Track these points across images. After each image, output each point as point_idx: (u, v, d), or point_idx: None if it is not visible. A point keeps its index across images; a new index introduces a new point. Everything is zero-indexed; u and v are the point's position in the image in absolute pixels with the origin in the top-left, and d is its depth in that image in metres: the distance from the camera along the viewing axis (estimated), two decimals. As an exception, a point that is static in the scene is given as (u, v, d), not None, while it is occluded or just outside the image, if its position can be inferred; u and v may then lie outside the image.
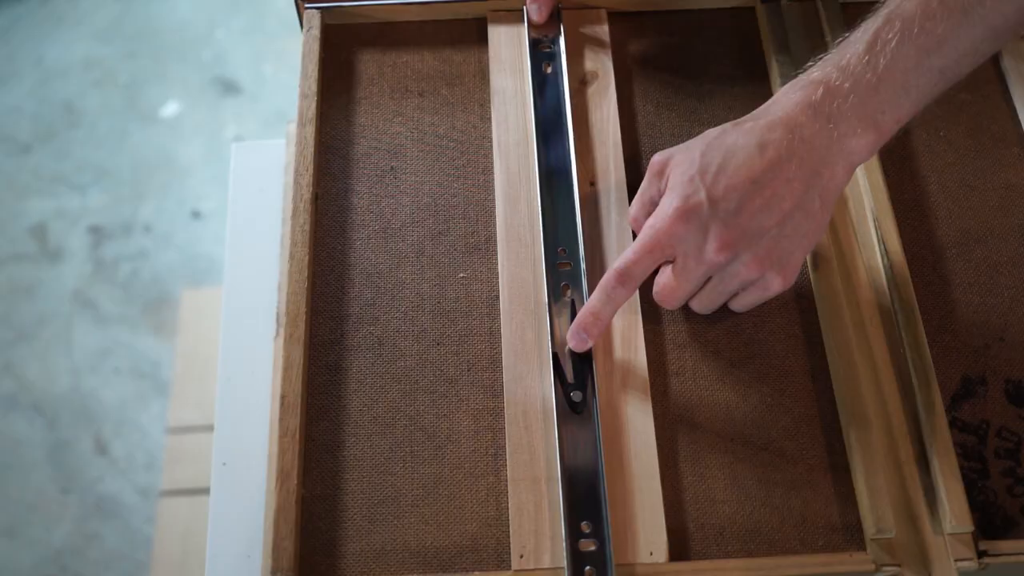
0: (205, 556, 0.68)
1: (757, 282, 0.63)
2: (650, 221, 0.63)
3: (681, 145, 0.65)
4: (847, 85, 0.61)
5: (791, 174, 0.61)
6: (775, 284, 0.63)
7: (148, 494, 1.59)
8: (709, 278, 0.64)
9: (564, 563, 0.59)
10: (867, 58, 0.61)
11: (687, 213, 0.61)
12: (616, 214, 0.71)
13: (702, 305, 0.66)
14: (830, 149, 0.61)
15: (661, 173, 0.65)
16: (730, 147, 0.62)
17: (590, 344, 0.64)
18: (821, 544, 0.62)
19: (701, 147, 0.63)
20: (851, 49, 0.62)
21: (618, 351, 0.66)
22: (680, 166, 0.63)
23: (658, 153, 0.66)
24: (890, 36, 0.60)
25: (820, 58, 0.63)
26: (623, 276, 0.63)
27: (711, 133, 0.64)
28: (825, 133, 0.61)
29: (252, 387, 0.73)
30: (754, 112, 0.64)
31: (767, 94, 0.73)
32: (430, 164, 0.74)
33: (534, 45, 0.77)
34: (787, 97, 0.63)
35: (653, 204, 0.66)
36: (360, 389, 0.66)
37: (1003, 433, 0.65)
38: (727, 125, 0.64)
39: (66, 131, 1.96)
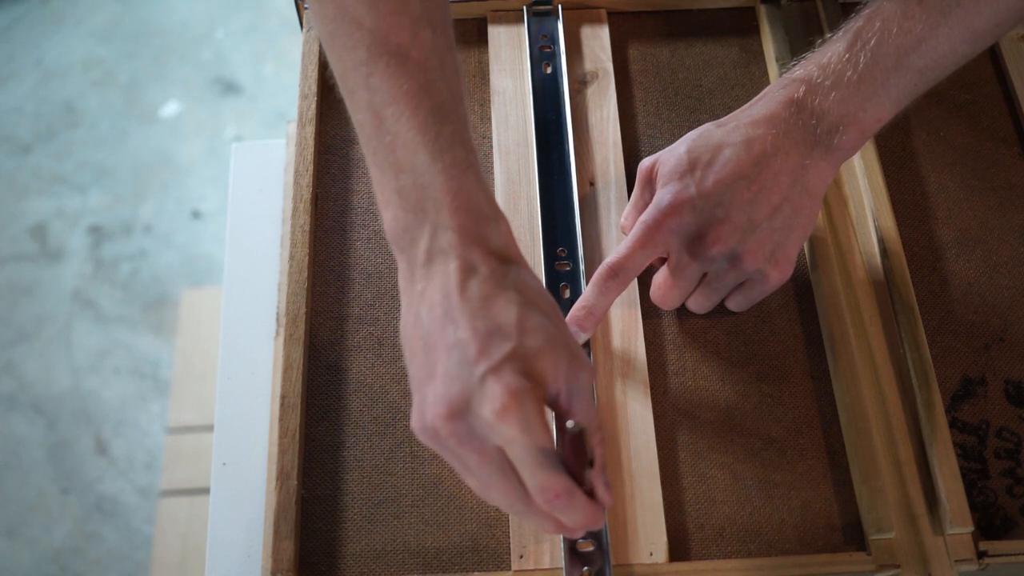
0: (205, 556, 0.68)
1: (754, 276, 0.64)
2: (642, 217, 0.63)
3: (665, 148, 0.65)
4: (828, 83, 0.61)
5: (777, 168, 0.61)
6: (773, 277, 0.63)
7: (148, 494, 1.59)
8: (704, 276, 0.65)
9: (563, 563, 0.59)
10: (847, 56, 0.61)
11: (678, 208, 0.62)
12: (615, 214, 0.71)
13: (698, 304, 0.66)
14: (814, 145, 0.62)
15: (649, 176, 0.66)
16: (717, 144, 0.62)
17: (583, 338, 0.64)
18: (821, 544, 0.61)
19: (687, 146, 0.63)
20: (832, 48, 0.62)
21: (618, 351, 0.66)
22: (667, 164, 0.63)
23: (644, 159, 0.66)
24: (870, 35, 0.61)
25: (803, 57, 0.64)
26: (615, 270, 0.63)
27: (693, 134, 0.64)
28: (808, 129, 0.62)
29: (252, 387, 0.73)
30: (736, 112, 0.65)
31: (767, 94, 0.73)
32: (430, 164, 0.74)
33: (534, 45, 0.77)
34: (770, 95, 0.63)
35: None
36: (360, 389, 0.66)
37: (1003, 433, 0.65)
38: (708, 125, 0.64)
39: (66, 131, 1.96)
